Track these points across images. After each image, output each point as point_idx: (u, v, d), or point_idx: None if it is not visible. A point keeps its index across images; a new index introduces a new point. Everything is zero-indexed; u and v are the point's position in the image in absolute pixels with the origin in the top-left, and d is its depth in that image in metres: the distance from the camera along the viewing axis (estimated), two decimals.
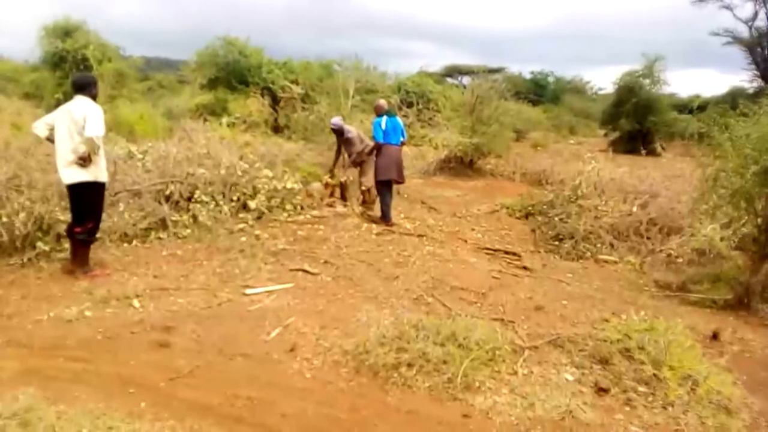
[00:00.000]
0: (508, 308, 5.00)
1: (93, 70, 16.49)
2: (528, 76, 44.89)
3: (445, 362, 3.65)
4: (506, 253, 7.29)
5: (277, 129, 17.81)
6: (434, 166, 14.25)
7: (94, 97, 5.17)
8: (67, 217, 5.77)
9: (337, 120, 8.87)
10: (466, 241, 7.78)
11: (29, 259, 5.45)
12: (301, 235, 6.89)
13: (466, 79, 39.40)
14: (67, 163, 5.00)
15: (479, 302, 5.13)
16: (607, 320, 4.65)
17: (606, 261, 7.17)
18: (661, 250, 7.29)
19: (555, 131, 28.75)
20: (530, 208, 9.78)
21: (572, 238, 7.86)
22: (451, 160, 14.25)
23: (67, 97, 15.80)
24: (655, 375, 3.66)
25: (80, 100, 5.06)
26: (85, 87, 5.16)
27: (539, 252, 7.69)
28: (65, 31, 17.35)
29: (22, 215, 5.59)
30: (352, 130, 8.69)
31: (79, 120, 4.93)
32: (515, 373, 3.75)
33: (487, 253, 7.17)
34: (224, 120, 15.21)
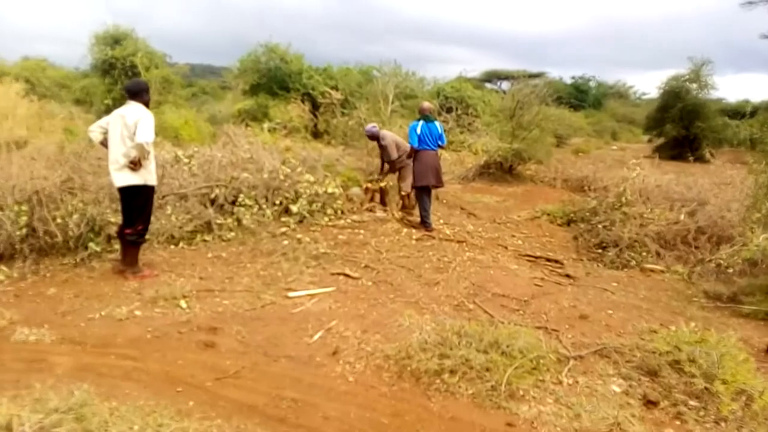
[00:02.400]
0: (551, 316, 4.92)
1: (141, 77, 17.00)
2: (569, 81, 44.26)
3: (488, 370, 3.61)
4: (548, 260, 7.17)
5: (316, 134, 18.03)
6: (473, 171, 14.17)
7: (146, 104, 5.31)
8: (117, 218, 5.97)
9: (370, 127, 8.94)
10: (506, 248, 7.70)
11: (81, 259, 5.66)
12: (341, 239, 6.94)
13: (505, 84, 39.14)
14: (119, 166, 5.17)
15: (521, 310, 5.07)
16: (655, 331, 4.53)
17: (652, 270, 6.98)
18: (710, 260, 7.05)
19: (597, 137, 28.31)
20: (572, 214, 9.61)
21: (616, 246, 7.68)
22: (491, 165, 14.15)
23: (116, 103, 16.46)
24: (706, 389, 3.54)
25: (133, 106, 5.22)
26: (138, 93, 5.30)
27: (582, 260, 7.55)
28: (115, 39, 17.94)
29: (75, 217, 5.81)
30: (387, 137, 8.71)
31: (131, 125, 5.09)
32: (560, 382, 3.69)
33: (529, 260, 7.08)
34: (265, 125, 15.46)
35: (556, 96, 15.89)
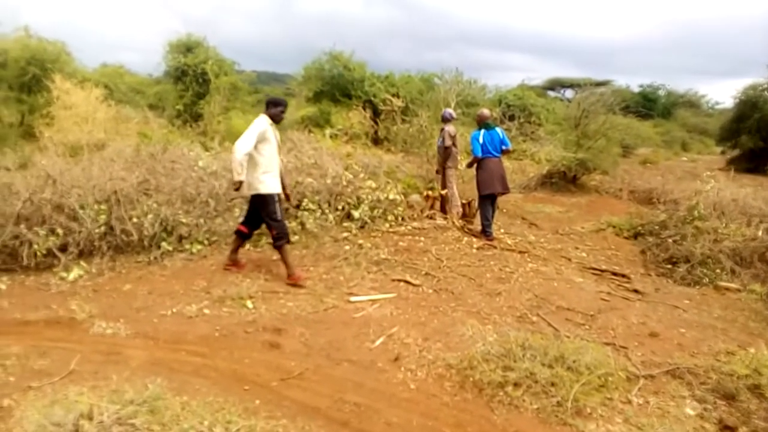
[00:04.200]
0: (619, 333, 4.75)
1: (211, 84, 17.64)
2: (636, 89, 42.77)
3: (553, 385, 3.53)
4: (614, 274, 6.93)
5: (376, 141, 18.16)
6: (535, 180, 13.93)
7: (271, 116, 5.42)
8: (188, 219, 6.24)
9: (450, 111, 9.01)
10: (570, 260, 7.49)
11: (155, 258, 5.92)
12: (402, 246, 6.95)
13: (568, 92, 38.30)
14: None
15: (587, 324, 4.92)
16: (732, 353, 4.31)
17: (727, 288, 6.62)
18: None
19: (666, 147, 27.21)
20: (640, 227, 9.27)
21: (688, 261, 7.34)
22: (553, 175, 13.86)
23: (186, 108, 17.00)
24: None
25: (258, 117, 5.44)
26: (266, 104, 5.51)
27: (650, 275, 7.25)
28: (187, 47, 18.66)
29: (149, 217, 6.09)
30: (451, 128, 8.70)
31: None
32: (629, 402, 3.56)
33: (594, 274, 6.86)
34: (327, 131, 15.71)
35: (624, 105, 15.40)
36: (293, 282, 5.41)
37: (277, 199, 5.47)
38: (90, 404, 2.95)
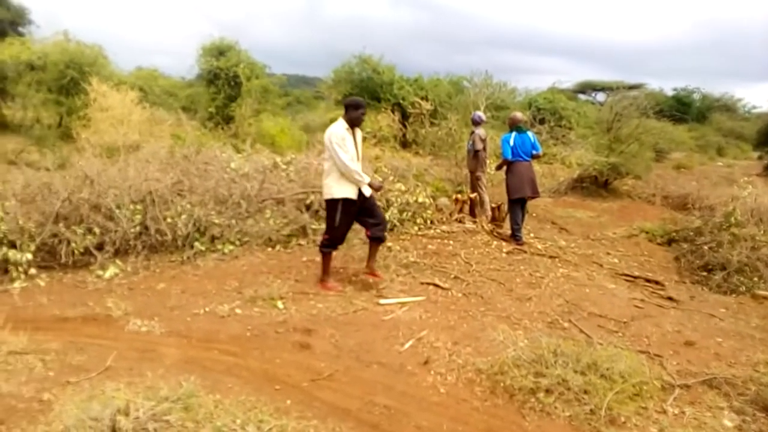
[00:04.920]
0: (653, 341, 4.66)
1: (243, 87, 17.86)
2: (670, 93, 41.85)
3: (586, 392, 3.48)
4: (647, 281, 6.80)
5: (404, 144, 18.17)
6: (565, 185, 13.75)
7: (350, 120, 5.28)
8: (220, 220, 6.33)
9: (480, 113, 9.13)
10: (601, 266, 7.38)
11: (188, 257, 6.01)
12: (431, 249, 6.94)
13: (600, 96, 37.74)
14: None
15: (620, 332, 4.84)
16: None
17: (765, 297, 6.44)
18: None
19: (700, 152, 26.58)
20: (674, 234, 9.08)
21: (724, 269, 7.16)
22: (584, 179, 13.66)
23: (218, 111, 17.18)
24: None
25: (337, 121, 5.38)
26: (345, 108, 5.36)
27: (684, 282, 7.11)
28: (220, 51, 18.91)
29: (183, 217, 6.20)
30: (481, 131, 8.82)
31: (325, 140, 5.29)
32: (664, 411, 3.48)
33: (626, 280, 6.75)
34: None
35: (657, 108, 15.11)
36: (324, 288, 5.42)
37: (344, 205, 5.27)
38: (126, 400, 3.00)
